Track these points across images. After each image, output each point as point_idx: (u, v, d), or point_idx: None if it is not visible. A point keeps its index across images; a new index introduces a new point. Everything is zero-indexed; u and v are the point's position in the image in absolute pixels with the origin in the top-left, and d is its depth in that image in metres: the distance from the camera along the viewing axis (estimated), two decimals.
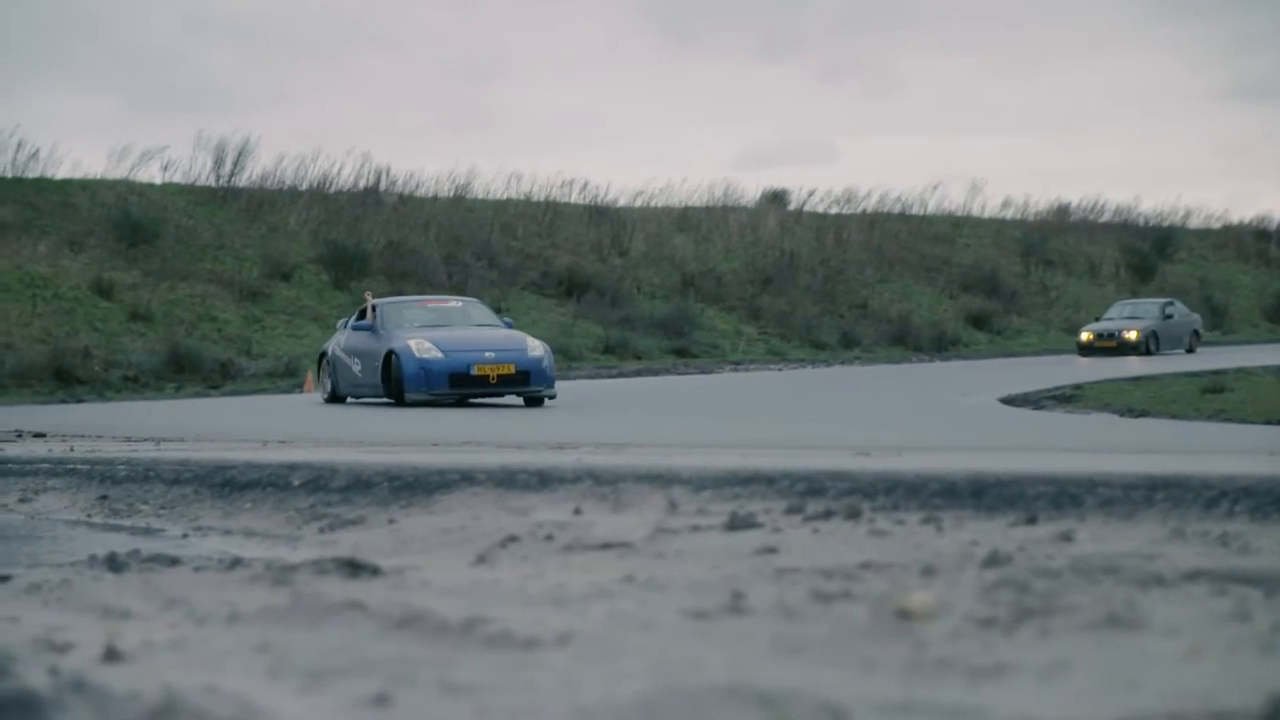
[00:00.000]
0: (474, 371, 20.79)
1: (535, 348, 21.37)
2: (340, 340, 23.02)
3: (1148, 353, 39.26)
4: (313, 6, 78.64)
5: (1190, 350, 40.96)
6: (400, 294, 31.17)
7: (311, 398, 24.59)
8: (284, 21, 78.35)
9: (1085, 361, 35.92)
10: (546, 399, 21.09)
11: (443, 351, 21.01)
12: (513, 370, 20.90)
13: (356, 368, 22.11)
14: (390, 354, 21.25)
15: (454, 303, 23.96)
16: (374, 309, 22.64)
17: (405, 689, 3.12)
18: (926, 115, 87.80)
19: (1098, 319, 42.44)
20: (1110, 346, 39.24)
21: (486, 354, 21.10)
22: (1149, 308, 42.27)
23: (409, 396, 20.80)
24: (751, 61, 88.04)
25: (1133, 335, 39.52)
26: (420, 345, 21.06)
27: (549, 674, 3.20)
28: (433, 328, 21.90)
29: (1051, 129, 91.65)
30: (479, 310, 23.58)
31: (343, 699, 3.09)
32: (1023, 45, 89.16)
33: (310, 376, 26.38)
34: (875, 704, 2.91)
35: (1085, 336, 40.35)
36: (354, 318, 23.36)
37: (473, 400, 21.30)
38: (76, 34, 71.02)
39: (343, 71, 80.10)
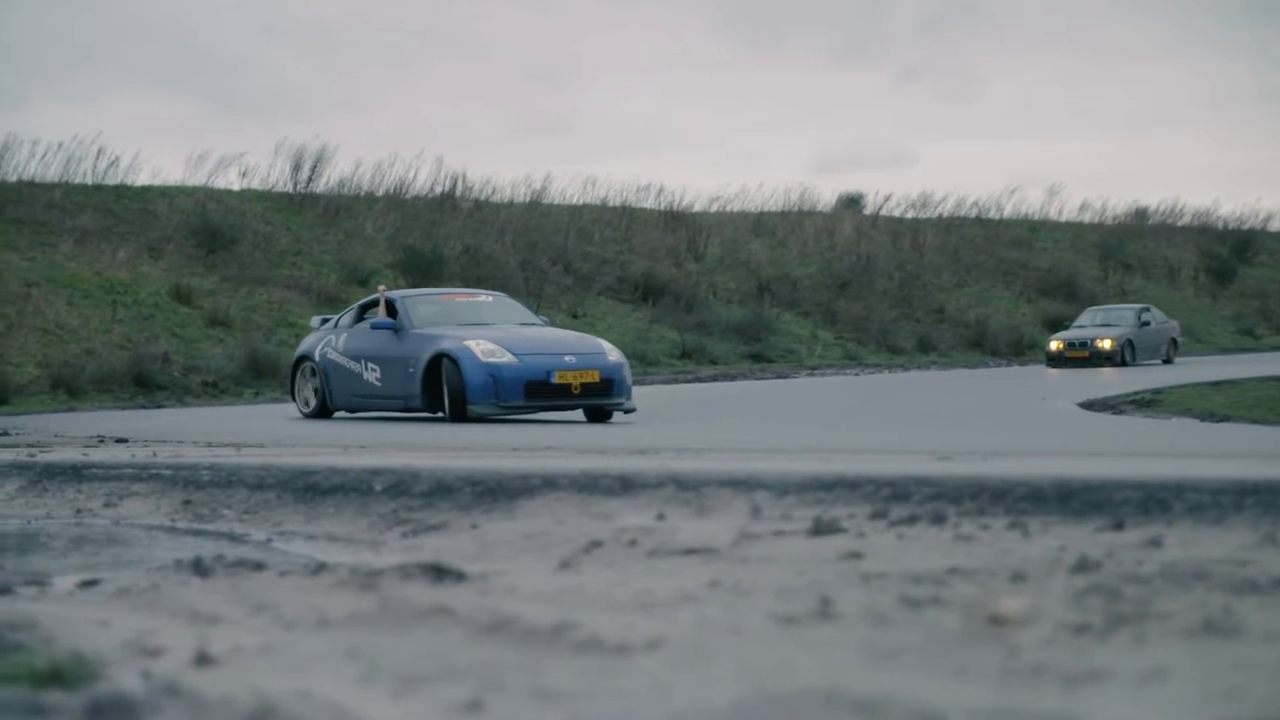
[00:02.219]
0: (554, 380, 17.40)
1: (612, 352, 18.23)
2: (336, 343, 19.41)
3: (1123, 363, 36.58)
4: (389, 12, 79.01)
5: (1168, 360, 38.37)
6: None
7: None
8: (360, 27, 78.76)
9: (1055, 373, 33.39)
10: (624, 412, 17.97)
11: (514, 355, 17.56)
12: (597, 378, 17.60)
13: (372, 375, 18.65)
14: (439, 359, 17.75)
15: (484, 297, 20.22)
16: (391, 304, 19.11)
17: (497, 695, 3.12)
18: (1004, 118, 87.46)
19: (1067, 326, 39.70)
20: (1082, 357, 36.49)
21: (566, 358, 17.72)
22: (1124, 314, 39.07)
23: (474, 410, 17.27)
24: (828, 65, 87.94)
25: (1107, 344, 36.69)
26: (484, 347, 17.57)
27: (640, 680, 3.19)
28: (475, 326, 18.56)
29: (1130, 131, 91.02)
30: (513, 306, 20.00)
31: (435, 704, 3.09)
32: (1101, 47, 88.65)
33: None
34: (971, 710, 2.89)
35: (1055, 345, 37.36)
36: (349, 316, 19.93)
37: (528, 416, 18.08)
38: (155, 42, 71.64)
39: (419, 77, 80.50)
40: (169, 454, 10.95)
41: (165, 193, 38.35)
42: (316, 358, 19.53)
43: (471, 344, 17.63)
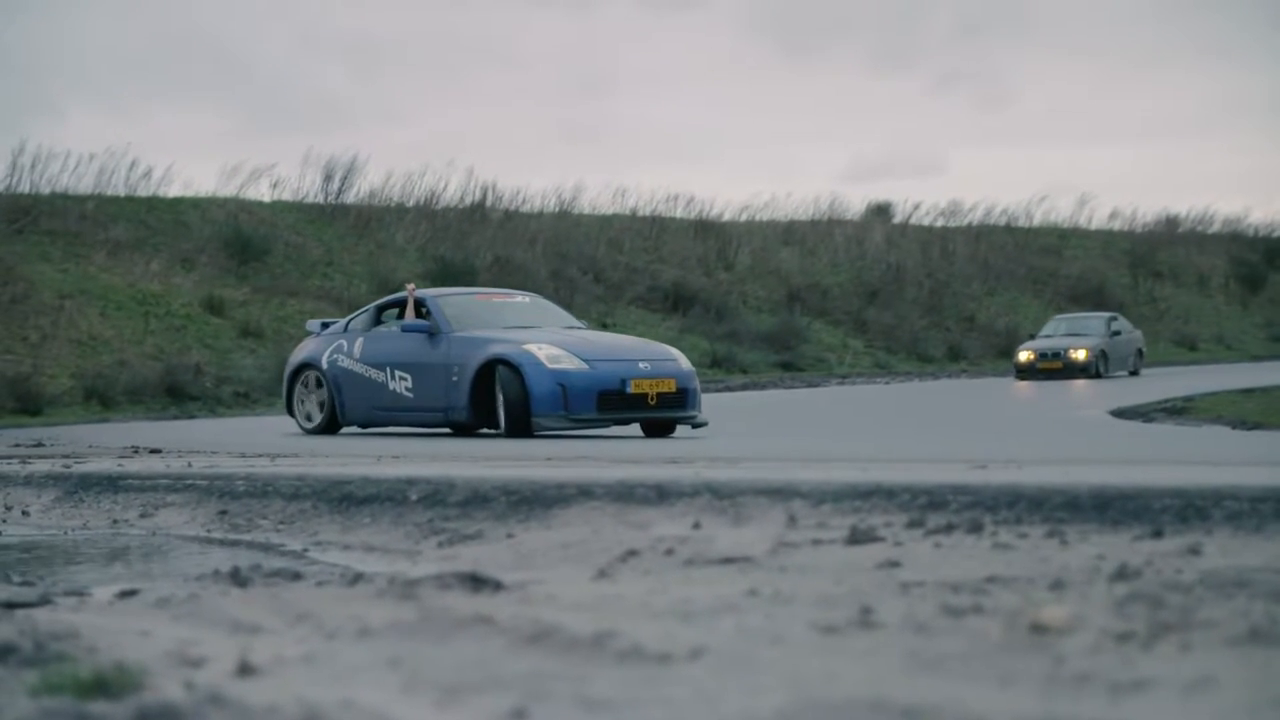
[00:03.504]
0: (630, 389, 15.62)
1: (683, 359, 16.51)
2: (350, 349, 17.38)
3: (1097, 375, 34.50)
4: (428, 23, 79.25)
5: (1134, 372, 36.48)
6: None
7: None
8: (399, 38, 79.00)
9: (1024, 386, 31.53)
10: (694, 426, 16.21)
11: (584, 360, 15.72)
12: (673, 387, 15.87)
13: (401, 385, 16.75)
14: (491, 365, 15.92)
15: (520, 298, 18.27)
16: (421, 304, 17.15)
17: (542, 704, 3.12)
18: (1036, 126, 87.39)
19: (1033, 336, 37.42)
20: (1055, 368, 34.42)
21: (641, 365, 15.93)
22: (1093, 323, 37.04)
23: (539, 423, 15.41)
24: (863, 74, 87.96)
25: (1081, 355, 34.70)
26: (548, 352, 15.67)
27: (685, 688, 3.19)
28: (524, 329, 16.70)
29: (1162, 139, 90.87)
30: (551, 308, 18.10)
31: (480, 714, 3.09)
32: (1134, 54, 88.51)
33: None
34: (1019, 718, 2.88)
35: (1025, 356, 35.20)
36: (364, 318, 17.87)
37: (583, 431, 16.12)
38: (193, 54, 71.90)
39: (457, 87, 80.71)
40: (204, 464, 10.98)
41: (197, 204, 38.47)
42: (324, 366, 17.48)
43: (533, 348, 15.76)
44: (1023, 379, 34.46)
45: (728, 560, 5.29)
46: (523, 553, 6.08)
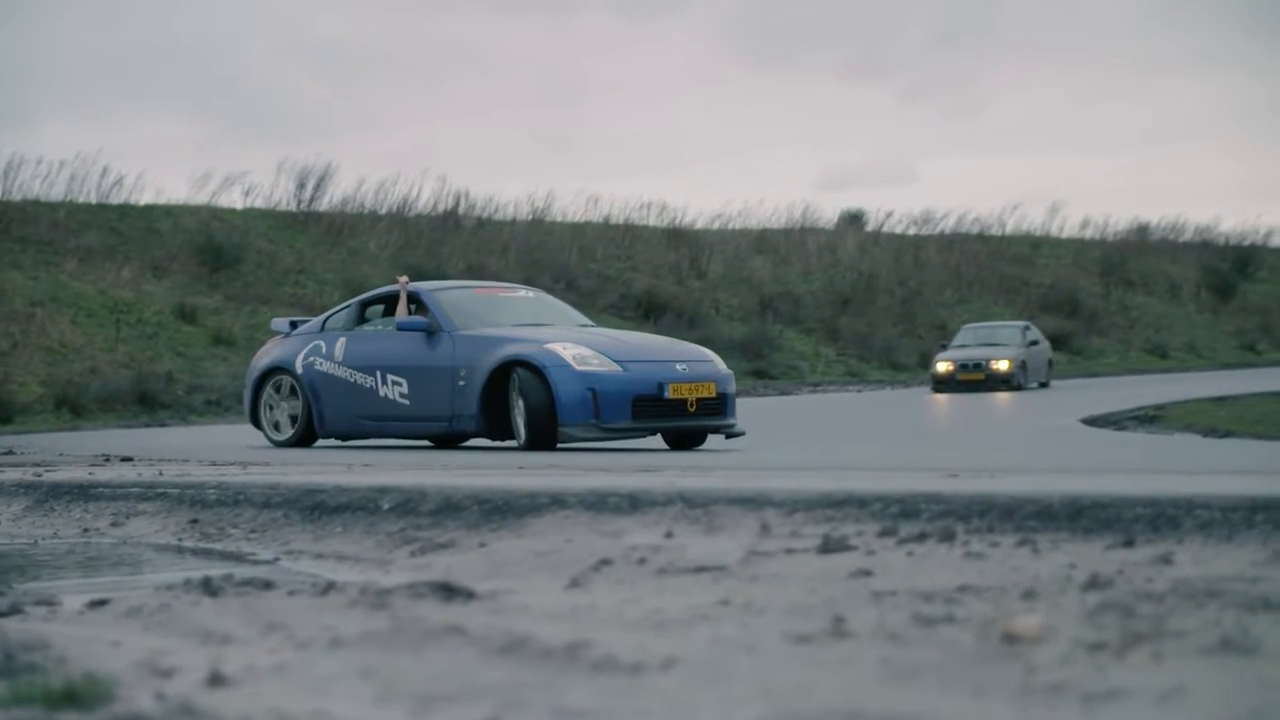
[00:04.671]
0: (668, 394, 14.00)
1: (719, 360, 15.01)
2: (330, 350, 15.65)
3: (1018, 387, 32.88)
4: (406, 32, 79.28)
5: (1044, 384, 34.96)
6: None
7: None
8: (376, 47, 78.99)
9: (943, 399, 29.41)
10: (727, 436, 14.67)
11: (617, 362, 14.07)
12: (713, 392, 14.31)
13: (395, 391, 14.99)
14: (507, 367, 14.16)
15: (523, 292, 16.46)
16: (415, 300, 15.48)
17: (516, 714, 3.11)
18: (1009, 135, 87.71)
19: (945, 346, 35.40)
20: (977, 379, 32.65)
21: (678, 367, 14.33)
22: (1009, 332, 35.43)
23: (567, 433, 13.76)
24: (837, 83, 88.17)
25: (1003, 366, 32.97)
26: (575, 352, 13.99)
27: (660, 699, 3.19)
28: (537, 327, 15.04)
29: (1134, 148, 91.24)
30: (556, 304, 16.38)
31: None
32: (1108, 65, 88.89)
33: None
34: None
35: (944, 367, 33.21)
36: (345, 316, 16.10)
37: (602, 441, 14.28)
38: (168, 62, 71.83)
39: (433, 96, 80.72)
40: (175, 472, 10.94)
41: (169, 212, 38.38)
42: (298, 370, 15.76)
43: (557, 348, 14.06)
44: (940, 391, 32.67)
45: (701, 569, 5.28)
46: (495, 562, 6.07)
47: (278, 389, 16.03)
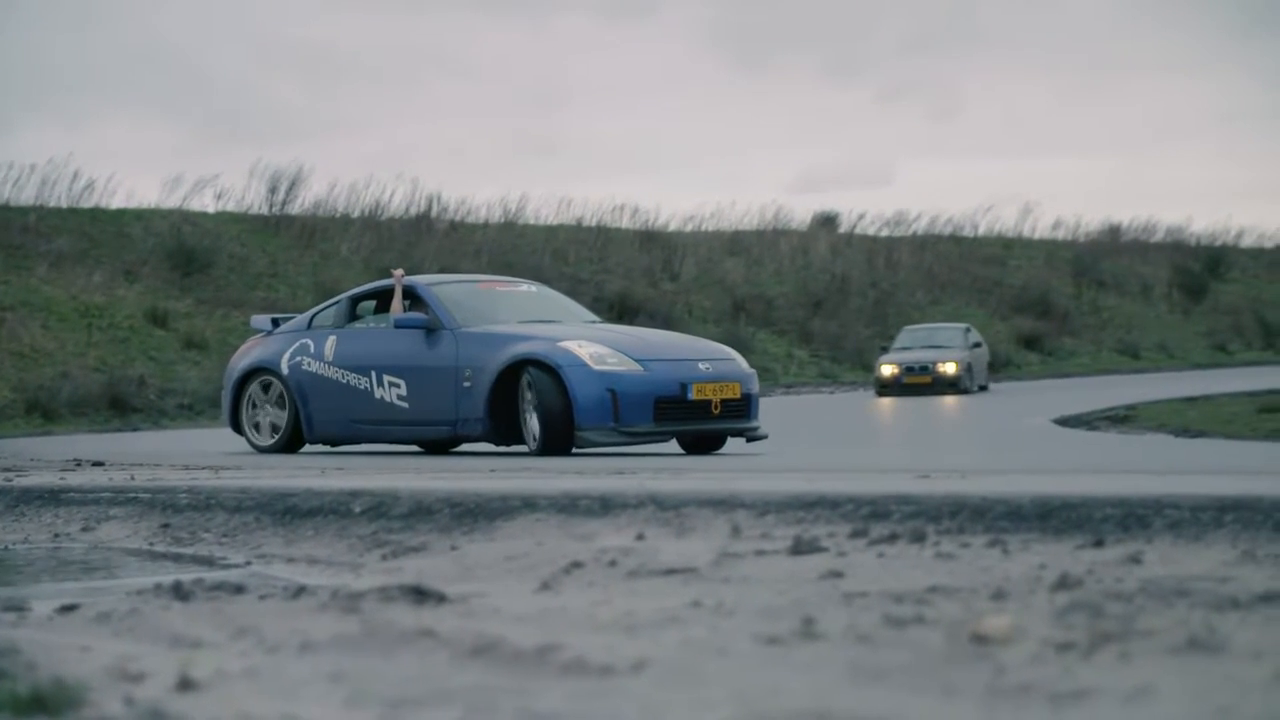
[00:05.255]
0: (691, 395, 13.23)
1: (740, 358, 14.23)
2: (319, 349, 14.74)
3: (964, 390, 31.97)
4: (384, 35, 79.09)
5: (984, 388, 33.70)
6: None
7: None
8: (350, 49, 78.79)
9: (887, 402, 28.92)
10: (748, 439, 13.90)
11: (637, 361, 13.27)
12: (738, 393, 13.56)
13: (392, 393, 14.10)
14: (519, 367, 13.36)
15: (526, 287, 15.62)
16: (412, 294, 14.65)
17: (486, 717, 3.11)
18: (985, 137, 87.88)
19: (885, 349, 34.76)
20: (923, 383, 31.85)
21: (701, 365, 13.55)
22: (951, 334, 34.42)
23: (585, 437, 13.04)
24: (813, 85, 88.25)
25: (950, 369, 32.12)
26: (591, 350, 13.22)
27: (630, 702, 3.19)
28: (545, 323, 14.15)
29: (1107, 150, 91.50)
30: (561, 299, 15.50)
31: None
32: (1082, 67, 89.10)
33: None
34: None
35: (888, 370, 32.48)
36: (334, 312, 15.14)
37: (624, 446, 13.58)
38: (143, 66, 71.61)
39: (410, 99, 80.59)
40: (147, 477, 10.92)
41: (140, 216, 38.28)
42: (283, 370, 14.85)
43: (572, 345, 13.26)
44: (884, 395, 31.83)
45: (671, 571, 5.29)
46: (467, 565, 6.07)
47: (264, 390, 15.08)
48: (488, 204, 45.62)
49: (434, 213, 43.50)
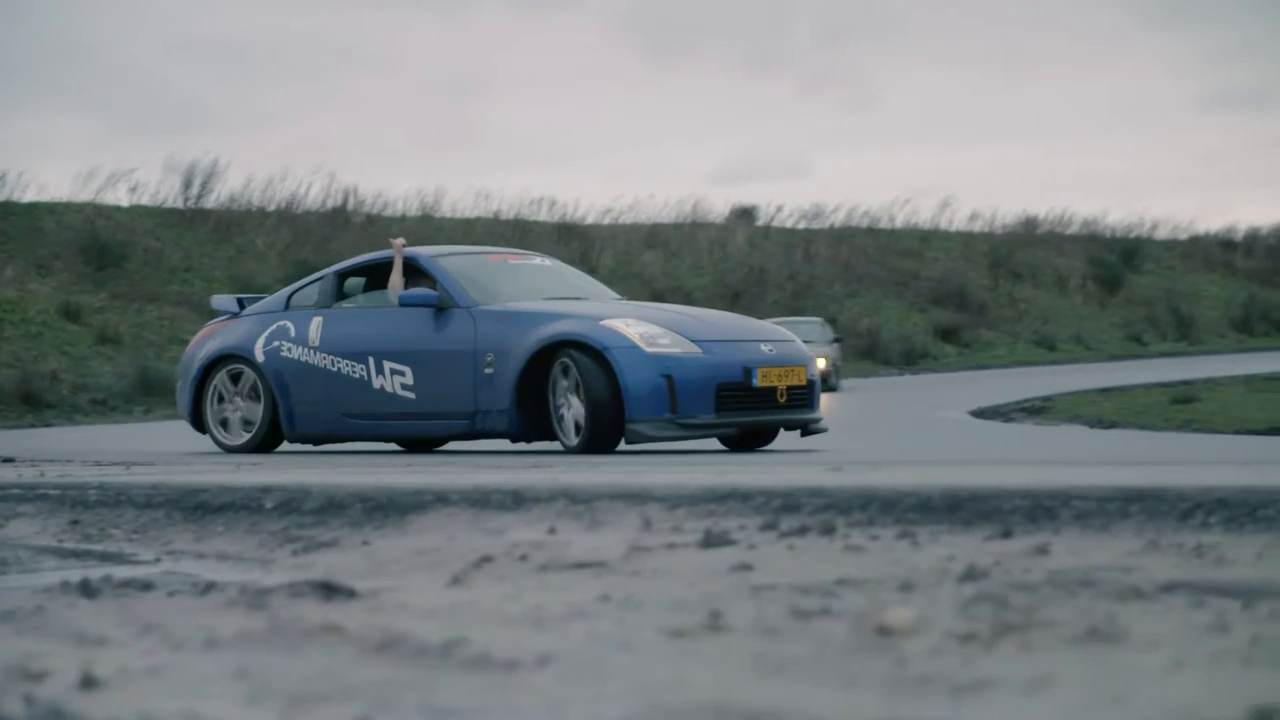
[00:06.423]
0: (757, 381, 11.75)
1: (797, 339, 12.71)
2: (302, 333, 12.96)
3: (833, 388, 30.54)
4: (302, 28, 78.88)
5: (834, 388, 31.57)
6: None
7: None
8: (271, 43, 78.55)
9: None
10: (806, 433, 12.46)
11: (695, 342, 11.68)
12: (803, 379, 12.12)
13: (395, 382, 12.36)
14: (554, 350, 11.80)
15: (539, 260, 13.71)
16: (414, 267, 12.94)
17: (387, 713, 3.10)
18: (902, 129, 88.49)
19: None
20: None
21: (763, 346, 12.07)
22: (811, 329, 32.49)
23: (639, 430, 11.45)
24: (733, 77, 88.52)
25: (821, 364, 27.53)
26: (642, 330, 11.60)
27: (532, 696, 3.19)
28: (573, 300, 12.50)
29: (1023, 142, 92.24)
30: (579, 274, 13.76)
31: None
32: (998, 60, 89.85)
33: None
34: None
35: None
36: (317, 289, 13.24)
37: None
38: (54, 58, 71.04)
39: (328, 92, 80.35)
40: (57, 473, 10.83)
41: (53, 209, 37.97)
42: (258, 357, 13.07)
43: (618, 324, 11.66)
44: None
45: (581, 565, 5.29)
46: (378, 560, 6.05)
47: (233, 381, 13.31)
48: (405, 197, 45.73)
49: (350, 206, 43.37)
